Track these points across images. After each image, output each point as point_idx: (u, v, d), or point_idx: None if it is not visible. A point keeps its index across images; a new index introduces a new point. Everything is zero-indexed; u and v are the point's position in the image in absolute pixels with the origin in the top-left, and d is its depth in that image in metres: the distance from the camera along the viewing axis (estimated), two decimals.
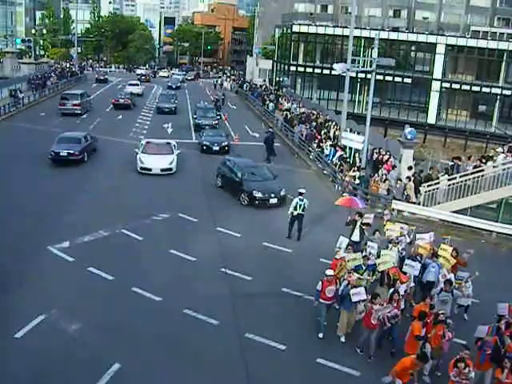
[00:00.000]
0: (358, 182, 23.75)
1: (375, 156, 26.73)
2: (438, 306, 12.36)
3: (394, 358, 11.36)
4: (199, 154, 30.84)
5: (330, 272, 12.81)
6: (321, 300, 12.71)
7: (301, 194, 18.71)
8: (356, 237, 16.54)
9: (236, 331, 12.72)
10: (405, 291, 13.08)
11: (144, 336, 12.25)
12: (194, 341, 12.24)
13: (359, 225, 16.66)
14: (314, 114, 38.41)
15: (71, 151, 26.12)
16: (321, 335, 12.73)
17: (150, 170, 25.71)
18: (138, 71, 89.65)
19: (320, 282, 12.69)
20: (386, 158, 25.87)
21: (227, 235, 18.64)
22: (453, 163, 23.62)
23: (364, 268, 13.69)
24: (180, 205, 21.26)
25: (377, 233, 15.71)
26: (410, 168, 23.22)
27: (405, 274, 13.65)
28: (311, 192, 21.77)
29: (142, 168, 25.80)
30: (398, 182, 22.56)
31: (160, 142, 28.02)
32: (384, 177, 23.45)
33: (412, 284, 13.93)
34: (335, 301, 13.00)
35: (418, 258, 14.43)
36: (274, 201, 21.87)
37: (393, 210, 21.90)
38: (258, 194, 21.80)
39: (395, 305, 12.07)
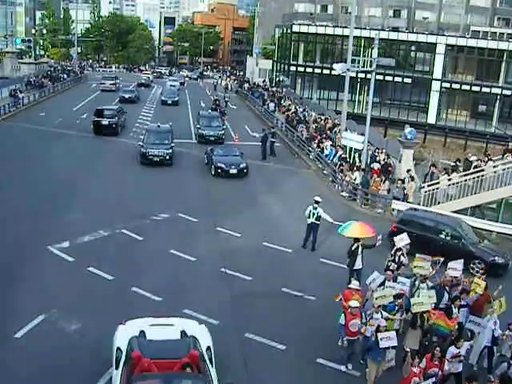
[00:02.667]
0: (357, 182, 23.74)
1: (381, 158, 25.75)
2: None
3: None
4: (211, 177, 26.25)
5: (354, 303, 11.26)
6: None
7: (316, 202, 17.75)
8: (359, 264, 14.83)
9: (236, 331, 12.72)
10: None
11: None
12: None
13: (361, 250, 14.83)
14: (321, 119, 37.21)
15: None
16: (344, 368, 11.51)
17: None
18: (144, 76, 72.24)
19: (343, 315, 11.53)
20: (382, 157, 25.76)
21: (227, 235, 18.64)
22: (455, 164, 23.62)
23: (396, 308, 11.77)
24: (180, 205, 21.25)
25: (402, 267, 13.86)
26: (408, 171, 23.15)
27: (450, 318, 11.44)
28: (311, 192, 21.79)
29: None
30: (398, 182, 22.55)
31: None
32: (383, 177, 23.45)
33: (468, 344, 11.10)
34: (360, 336, 11.39)
35: (445, 288, 12.83)
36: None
37: (393, 209, 21.93)
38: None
39: (437, 363, 10.15)
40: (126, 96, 49.30)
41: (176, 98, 50.36)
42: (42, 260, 15.76)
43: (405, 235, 14.71)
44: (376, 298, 11.54)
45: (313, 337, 12.74)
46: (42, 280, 14.54)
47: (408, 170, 23.25)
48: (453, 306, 11.68)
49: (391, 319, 11.45)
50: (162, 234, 18.47)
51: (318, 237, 18.01)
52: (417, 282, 12.76)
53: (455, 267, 13.18)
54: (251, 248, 17.67)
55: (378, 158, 25.84)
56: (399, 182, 22.44)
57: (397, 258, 14.28)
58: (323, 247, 18.12)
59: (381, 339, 10.35)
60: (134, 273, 15.29)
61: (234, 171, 26.13)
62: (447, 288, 12.82)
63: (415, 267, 13.21)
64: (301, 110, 40.82)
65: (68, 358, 11.24)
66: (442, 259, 13.77)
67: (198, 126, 33.99)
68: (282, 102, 48.34)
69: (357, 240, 14.80)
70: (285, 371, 11.43)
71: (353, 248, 14.87)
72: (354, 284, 12.23)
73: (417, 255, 13.73)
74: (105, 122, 33.45)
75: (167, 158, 27.32)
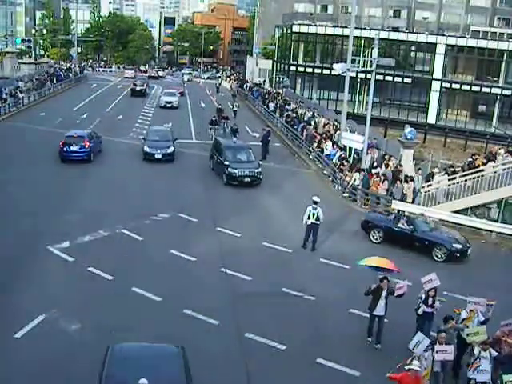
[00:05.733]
0: (357, 182, 23.73)
1: (391, 163, 24.71)
2: None
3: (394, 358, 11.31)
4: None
5: None
6: None
7: (315, 202, 17.82)
8: (381, 310, 12.52)
9: (236, 331, 12.72)
10: None
11: (144, 336, 12.23)
12: (193, 341, 12.24)
13: (385, 293, 12.39)
14: (329, 124, 35.06)
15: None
16: None
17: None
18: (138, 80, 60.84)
19: None
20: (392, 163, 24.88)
21: (227, 235, 18.64)
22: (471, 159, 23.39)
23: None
24: (180, 205, 21.25)
25: (451, 321, 11.50)
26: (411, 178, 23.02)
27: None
28: (311, 192, 21.74)
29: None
30: (398, 182, 22.55)
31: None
32: (383, 177, 23.44)
33: None
34: None
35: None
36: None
37: (392, 209, 21.93)
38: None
39: None
40: None
41: (169, 150, 28.06)
42: (42, 260, 15.76)
43: (434, 275, 12.41)
44: (468, 335, 11.02)
45: (313, 337, 12.75)
46: (41, 280, 14.54)
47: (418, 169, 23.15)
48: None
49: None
50: (162, 234, 18.47)
51: (317, 237, 18.01)
52: (476, 351, 10.75)
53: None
54: (251, 248, 17.67)
55: (385, 162, 24.96)
56: (399, 182, 22.45)
57: (430, 302, 12.29)
58: (323, 247, 18.13)
59: (437, 352, 10.45)
60: (134, 273, 15.29)
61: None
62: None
63: (469, 335, 11.16)
64: (309, 114, 38.53)
65: (68, 358, 11.24)
66: (493, 303, 12.02)
67: (226, 162, 24.87)
68: (287, 106, 43.69)
69: (383, 279, 12.46)
70: (285, 371, 11.42)
71: (372, 287, 12.52)
72: (415, 365, 9.78)
73: (464, 315, 11.91)
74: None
75: None
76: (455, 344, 11.34)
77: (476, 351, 10.74)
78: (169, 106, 47.30)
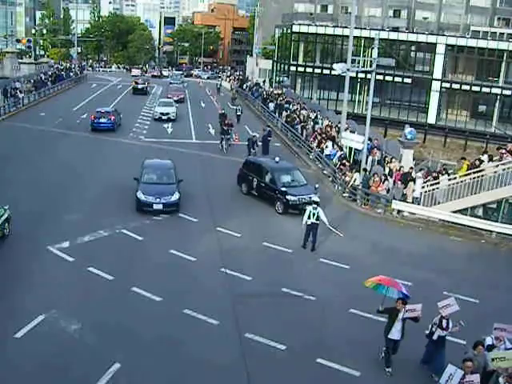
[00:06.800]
0: (357, 182, 23.73)
1: (396, 167, 23.91)
2: None
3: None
4: None
5: None
6: None
7: (315, 202, 17.83)
8: (397, 334, 11.49)
9: (236, 331, 12.72)
10: None
11: (144, 336, 12.25)
12: (194, 341, 12.25)
13: (402, 315, 11.35)
14: (331, 126, 33.70)
15: None
16: None
17: None
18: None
19: None
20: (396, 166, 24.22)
21: (227, 235, 18.64)
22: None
23: None
24: (180, 205, 21.24)
25: (480, 347, 10.54)
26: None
27: None
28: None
29: None
30: (399, 182, 22.53)
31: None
32: (383, 177, 23.44)
33: None
34: None
35: None
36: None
37: (393, 210, 21.94)
38: None
39: None
40: None
41: (173, 198, 20.50)
42: (42, 260, 15.76)
43: (452, 300, 11.49)
44: (493, 360, 9.92)
45: (313, 337, 12.75)
46: (41, 280, 14.53)
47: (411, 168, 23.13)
48: None
49: None
50: (162, 234, 18.47)
51: (317, 237, 18.02)
52: (501, 380, 9.81)
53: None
54: (251, 248, 17.68)
55: (389, 165, 24.53)
56: (399, 182, 22.45)
57: (444, 324, 11.38)
58: (323, 247, 18.13)
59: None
60: (134, 273, 15.29)
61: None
62: None
63: (494, 360, 10.04)
64: (312, 116, 37.48)
65: (68, 358, 11.24)
66: None
67: (280, 187, 21.48)
68: (290, 106, 42.83)
69: (399, 301, 11.39)
70: (285, 371, 11.42)
71: (383, 307, 11.59)
72: None
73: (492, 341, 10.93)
74: None
75: None
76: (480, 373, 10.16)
77: (501, 381, 9.71)
78: (164, 118, 40.18)
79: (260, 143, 31.16)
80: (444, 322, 11.31)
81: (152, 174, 21.37)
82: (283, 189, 21.24)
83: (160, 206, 19.91)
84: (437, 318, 11.37)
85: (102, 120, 34.87)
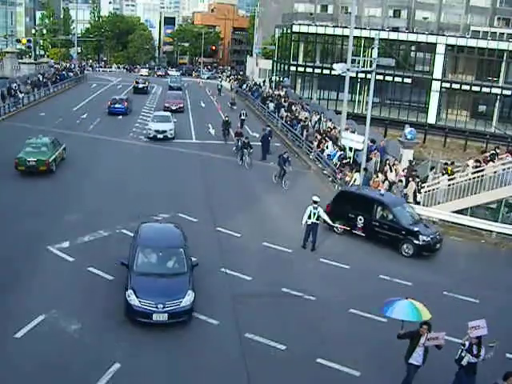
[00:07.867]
0: (357, 182, 23.71)
1: (399, 169, 23.76)
2: None
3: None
4: None
5: None
6: None
7: (315, 202, 17.79)
8: (418, 359, 10.77)
9: (236, 331, 12.72)
10: None
11: (144, 336, 12.25)
12: (193, 341, 12.25)
13: (424, 339, 10.54)
14: (331, 128, 33.11)
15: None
16: None
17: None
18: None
19: None
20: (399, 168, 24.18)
21: (227, 235, 18.64)
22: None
23: None
24: (180, 205, 21.24)
25: (510, 378, 9.35)
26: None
27: None
28: (311, 192, 21.74)
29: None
30: (399, 182, 22.52)
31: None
32: (383, 177, 23.42)
33: None
34: None
35: None
36: None
37: None
38: None
39: None
40: None
41: (183, 304, 12.93)
42: (42, 260, 15.76)
43: (483, 322, 10.42)
44: None
45: (313, 337, 12.74)
46: (41, 280, 14.53)
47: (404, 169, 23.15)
48: None
49: None
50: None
51: (317, 237, 18.01)
52: None
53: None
54: (251, 248, 17.68)
55: (393, 168, 23.97)
56: (399, 182, 22.42)
57: (475, 351, 10.43)
58: (323, 247, 18.14)
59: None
60: None
61: None
62: None
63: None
64: (316, 118, 36.75)
65: (68, 358, 11.24)
66: None
67: (406, 226, 18.33)
68: (293, 107, 42.12)
69: (424, 325, 10.61)
70: (285, 371, 11.42)
71: (404, 331, 10.82)
72: None
73: None
74: None
75: None
76: None
77: None
78: (160, 136, 32.93)
79: (260, 143, 31.11)
80: (475, 348, 10.38)
81: (151, 255, 14.12)
82: (415, 229, 18.14)
83: (164, 317, 12.60)
84: (465, 338, 10.57)
85: (117, 105, 41.90)
